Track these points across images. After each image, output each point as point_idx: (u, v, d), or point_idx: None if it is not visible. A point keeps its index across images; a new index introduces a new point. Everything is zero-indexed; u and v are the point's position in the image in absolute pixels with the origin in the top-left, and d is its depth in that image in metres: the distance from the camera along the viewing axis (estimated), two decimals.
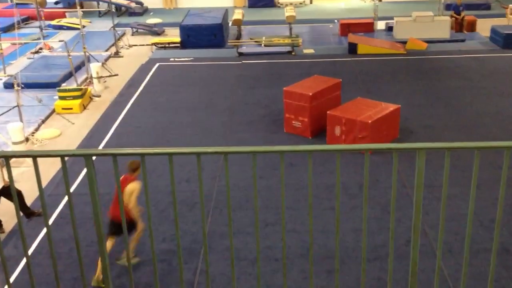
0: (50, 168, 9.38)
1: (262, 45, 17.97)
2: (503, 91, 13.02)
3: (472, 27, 18.89)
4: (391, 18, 19.33)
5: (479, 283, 6.36)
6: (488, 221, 7.58)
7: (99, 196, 3.20)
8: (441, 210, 3.65)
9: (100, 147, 10.57)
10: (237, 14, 19.73)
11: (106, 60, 16.66)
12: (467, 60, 15.48)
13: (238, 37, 19.24)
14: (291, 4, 23.69)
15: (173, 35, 19.20)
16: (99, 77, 14.21)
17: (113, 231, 6.57)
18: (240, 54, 17.02)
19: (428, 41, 17.15)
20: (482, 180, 8.23)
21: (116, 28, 18.58)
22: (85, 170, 8.32)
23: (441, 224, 3.69)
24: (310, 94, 10.63)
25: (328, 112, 10.31)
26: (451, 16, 18.66)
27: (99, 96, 13.77)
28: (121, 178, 6.43)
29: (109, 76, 15.09)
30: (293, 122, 10.92)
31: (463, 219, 7.37)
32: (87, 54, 15.13)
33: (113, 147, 10.41)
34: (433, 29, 17.30)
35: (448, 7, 20.48)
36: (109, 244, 6.53)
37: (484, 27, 18.51)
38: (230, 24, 19.92)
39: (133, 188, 6.47)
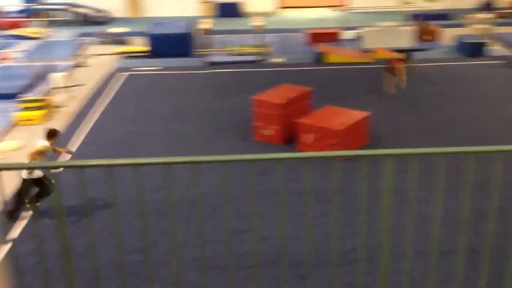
0: (14, 180, 9.14)
1: (231, 54, 18.00)
2: (468, 97, 13.35)
3: (436, 36, 19.35)
4: (358, 28, 19.62)
5: (447, 284, 6.45)
6: (455, 223, 7.72)
7: (64, 208, 3.14)
8: (409, 213, 3.71)
9: (66, 158, 10.38)
10: (205, 24, 19.73)
11: (71, 69, 16.42)
12: (432, 67, 15.83)
13: (207, 46, 19.23)
14: (259, 13, 23.82)
15: (139, 44, 19.06)
16: (63, 87, 13.98)
17: None
18: (209, 63, 17.01)
19: (393, 50, 17.45)
20: (450, 184, 8.37)
21: (81, 38, 18.35)
22: None
23: (410, 228, 3.75)
24: (280, 102, 10.68)
25: (298, 120, 10.37)
26: (417, 26, 19.08)
27: (63, 106, 13.54)
28: None
29: (74, 86, 14.85)
30: (263, 130, 10.95)
31: (432, 221, 7.48)
32: (50, 63, 14.89)
33: (79, 158, 10.23)
34: (399, 38, 17.62)
35: (413, 17, 20.95)
36: None
37: (447, 36, 18.99)
38: (198, 33, 19.87)
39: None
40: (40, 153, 8.04)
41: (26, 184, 7.94)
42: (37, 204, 8.26)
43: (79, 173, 3.16)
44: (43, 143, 8.26)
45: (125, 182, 9.01)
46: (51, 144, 8.29)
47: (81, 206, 7.35)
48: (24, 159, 8.44)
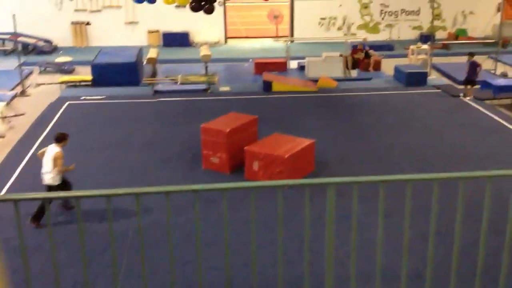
0: None
1: (178, 83, 17.99)
2: (407, 125, 13.82)
3: (377, 66, 20.02)
4: (303, 58, 20.09)
5: None
6: (400, 248, 7.86)
7: (2, 242, 3.02)
8: (352, 241, 3.77)
9: (4, 190, 9.99)
10: (152, 53, 19.69)
11: (12, 99, 15.92)
12: (374, 96, 16.33)
13: (153, 75, 19.16)
14: (206, 43, 24.01)
15: (85, 74, 18.77)
16: (3, 117, 13.54)
17: None
18: (156, 92, 16.92)
19: (338, 79, 17.94)
20: (393, 209, 8.56)
21: (23, 67, 17.91)
22: None
23: (352, 254, 3.80)
24: (227, 130, 10.71)
25: (245, 147, 10.42)
26: (359, 56, 19.69)
27: (3, 136, 13.08)
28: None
29: (15, 115, 14.40)
30: (211, 158, 10.92)
31: (376, 247, 7.60)
32: None
33: (17, 190, 9.86)
34: (342, 68, 18.12)
35: (355, 47, 21.62)
36: None
37: (388, 66, 19.71)
38: (144, 62, 19.81)
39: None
40: (60, 158, 8.52)
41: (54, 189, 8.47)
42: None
43: (15, 207, 3.06)
44: (56, 149, 8.62)
45: (69, 212, 8.79)
46: (61, 148, 8.67)
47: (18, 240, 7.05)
48: (48, 166, 8.64)
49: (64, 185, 8.74)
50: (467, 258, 7.45)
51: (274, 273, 7.36)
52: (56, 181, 8.61)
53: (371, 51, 20.07)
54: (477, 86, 16.35)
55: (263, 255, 7.59)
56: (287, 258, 7.57)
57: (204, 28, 24.69)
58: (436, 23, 24.76)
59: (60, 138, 8.79)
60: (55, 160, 8.49)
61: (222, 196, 3.48)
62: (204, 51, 19.54)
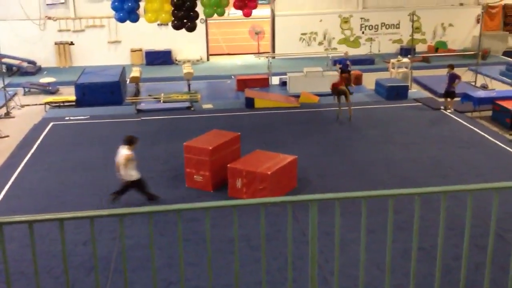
0: None
1: (161, 101, 18.01)
2: (388, 139, 13.96)
3: (358, 80, 20.23)
4: (285, 74, 20.25)
5: None
6: (384, 264, 7.91)
7: None
8: (335, 258, 3.81)
9: None
10: (135, 72, 19.72)
11: None
12: (355, 111, 16.46)
13: (136, 94, 19.16)
14: (188, 61, 24.10)
15: (69, 94, 18.73)
16: None
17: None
18: (139, 111, 16.93)
19: (319, 95, 18.09)
20: (376, 225, 8.64)
21: (7, 88, 17.83)
22: None
23: (336, 272, 3.84)
24: (210, 148, 10.74)
25: (228, 165, 10.46)
26: (338, 70, 19.88)
27: None
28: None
29: None
30: (194, 176, 10.93)
31: (359, 264, 7.64)
32: None
33: (2, 212, 9.77)
34: (323, 83, 18.25)
35: (335, 62, 21.84)
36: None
37: (369, 80, 19.92)
38: (127, 81, 19.82)
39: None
40: (130, 160, 9.51)
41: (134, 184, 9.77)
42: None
43: None
44: (125, 151, 9.59)
45: (53, 235, 8.72)
46: (131, 150, 9.59)
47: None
48: (120, 167, 9.72)
49: (139, 181, 9.84)
50: (450, 273, 7.54)
51: None
52: (132, 178, 9.73)
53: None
54: (457, 99, 16.58)
55: (247, 274, 7.58)
56: (271, 278, 7.56)
57: (186, 46, 24.81)
58: (416, 36, 25.16)
59: (129, 141, 9.72)
60: (124, 161, 9.51)
61: (204, 215, 3.50)
62: (186, 69, 19.62)
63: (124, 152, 9.70)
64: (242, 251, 8.15)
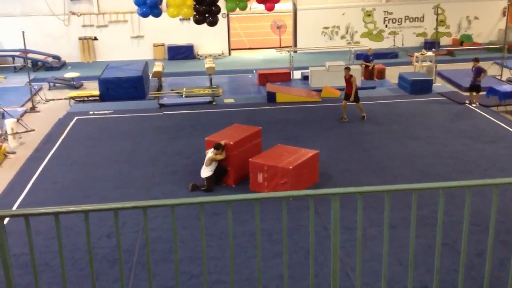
0: None
1: (183, 96, 18.12)
2: (411, 134, 13.80)
3: (381, 74, 20.05)
4: (306, 68, 20.16)
5: None
6: (406, 260, 7.87)
7: (11, 258, 3.08)
8: (357, 253, 3.79)
9: (15, 206, 10.10)
10: (157, 67, 19.85)
11: (22, 115, 16.09)
12: (377, 105, 16.35)
13: (159, 88, 19.30)
14: (210, 55, 24.16)
15: (92, 89, 18.95)
16: (14, 133, 13.70)
17: None
18: (161, 105, 17.04)
19: (341, 89, 17.94)
20: (398, 220, 8.59)
21: (33, 83, 18.13)
22: None
23: (358, 267, 3.83)
24: (232, 142, 10.78)
25: (250, 159, 10.48)
26: (362, 65, 19.75)
27: (14, 153, 13.22)
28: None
29: (25, 131, 14.57)
30: None
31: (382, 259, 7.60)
32: (1, 110, 14.59)
33: (28, 205, 9.96)
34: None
35: (358, 56, 21.68)
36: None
37: (392, 74, 19.72)
38: (150, 76, 19.97)
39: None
40: (214, 160, 10.54)
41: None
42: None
43: (26, 222, 3.13)
44: (211, 154, 10.62)
45: (77, 228, 8.85)
46: (216, 154, 10.58)
47: (29, 256, 7.13)
48: (205, 164, 10.71)
49: (215, 175, 10.68)
50: (474, 269, 7.46)
51: (280, 287, 7.38)
52: (208, 174, 10.61)
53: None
54: (483, 93, 16.33)
55: (268, 268, 7.61)
56: (292, 272, 7.56)
57: (208, 41, 24.87)
58: (441, 29, 24.80)
59: (217, 147, 10.61)
60: (210, 160, 10.53)
61: (227, 209, 3.52)
62: (208, 63, 19.68)
63: (210, 154, 10.65)
64: (263, 245, 8.17)
